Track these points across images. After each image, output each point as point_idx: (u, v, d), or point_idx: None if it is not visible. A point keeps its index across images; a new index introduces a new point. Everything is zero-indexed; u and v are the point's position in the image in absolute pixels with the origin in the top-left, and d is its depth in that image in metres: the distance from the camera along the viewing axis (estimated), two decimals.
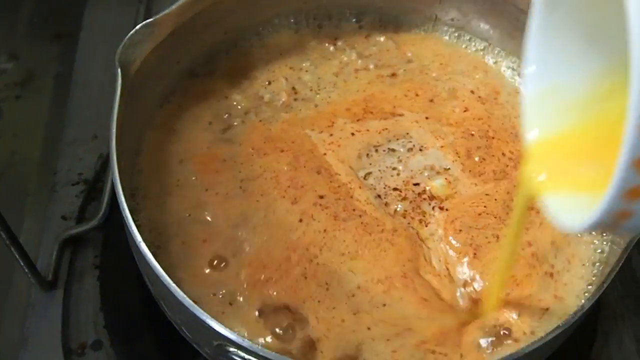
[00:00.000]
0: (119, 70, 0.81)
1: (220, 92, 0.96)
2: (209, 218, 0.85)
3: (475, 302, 0.83)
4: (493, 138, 0.95)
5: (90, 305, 0.96)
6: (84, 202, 1.02)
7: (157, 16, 0.85)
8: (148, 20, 0.84)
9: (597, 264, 0.86)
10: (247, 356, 0.69)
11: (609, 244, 0.87)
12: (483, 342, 0.79)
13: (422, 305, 0.81)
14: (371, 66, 1.00)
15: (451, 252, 0.85)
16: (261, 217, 0.85)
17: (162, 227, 0.84)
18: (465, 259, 0.85)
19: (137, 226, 0.75)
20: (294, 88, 0.97)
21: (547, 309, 0.82)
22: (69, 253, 0.98)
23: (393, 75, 0.99)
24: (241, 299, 0.79)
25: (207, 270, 0.81)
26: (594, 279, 0.85)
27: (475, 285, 0.84)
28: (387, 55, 1.01)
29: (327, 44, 1.01)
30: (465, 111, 0.97)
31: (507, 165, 0.93)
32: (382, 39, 1.03)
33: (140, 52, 0.84)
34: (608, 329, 0.99)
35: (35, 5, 1.27)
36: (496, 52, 1.04)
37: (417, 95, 0.98)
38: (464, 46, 1.05)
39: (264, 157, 0.90)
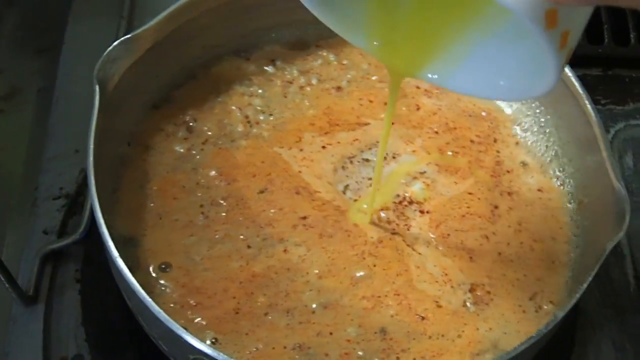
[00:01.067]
0: (97, 86, 0.82)
1: (181, 119, 0.96)
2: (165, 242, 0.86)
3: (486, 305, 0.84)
4: (455, 129, 0.97)
5: (71, 319, 0.96)
6: (65, 216, 1.02)
7: (135, 32, 0.86)
8: (126, 37, 0.85)
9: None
10: None
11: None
12: None
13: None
14: (314, 81, 1.00)
15: (444, 258, 0.87)
16: (210, 247, 0.86)
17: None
18: (462, 263, 0.87)
19: (115, 241, 0.76)
20: (247, 116, 0.97)
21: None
22: (50, 267, 0.98)
23: (338, 88, 1.00)
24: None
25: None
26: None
27: (486, 288, 0.85)
28: (328, 68, 1.02)
29: (265, 67, 1.02)
30: (418, 109, 0.99)
31: (480, 151, 0.95)
32: (321, 52, 1.03)
33: (119, 68, 0.85)
34: (586, 338, 0.99)
35: (18, 19, 1.28)
36: None
37: (370, 101, 0.99)
38: None
39: (233, 183, 0.91)
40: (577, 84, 0.89)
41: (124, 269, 0.74)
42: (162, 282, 0.84)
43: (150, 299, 0.72)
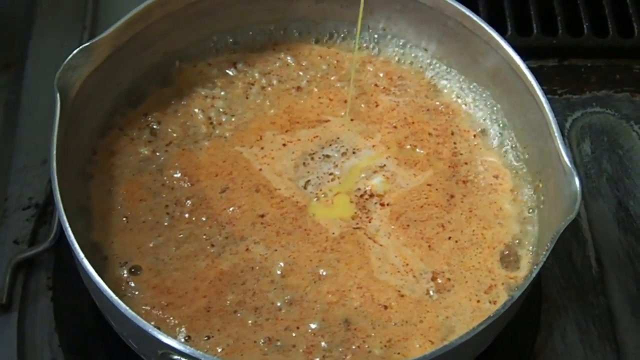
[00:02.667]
0: (58, 94, 0.84)
1: (145, 122, 0.98)
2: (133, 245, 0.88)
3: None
4: (413, 123, 1.00)
5: (45, 325, 0.98)
6: (36, 225, 1.04)
7: (94, 40, 0.88)
8: (85, 45, 0.87)
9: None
10: None
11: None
12: None
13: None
14: (275, 82, 1.03)
15: (405, 248, 0.89)
16: (177, 247, 0.88)
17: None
18: (422, 252, 0.89)
19: (83, 246, 0.78)
20: (209, 117, 0.99)
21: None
22: (22, 276, 1.00)
23: (298, 88, 1.02)
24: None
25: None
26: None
27: (446, 276, 0.88)
28: (287, 70, 1.04)
29: (226, 70, 1.04)
30: (377, 106, 1.01)
31: (438, 143, 0.98)
32: (280, 55, 1.06)
33: (79, 76, 0.87)
34: (551, 321, 1.02)
35: None
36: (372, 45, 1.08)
37: (330, 100, 1.01)
38: (346, 47, 1.08)
39: (197, 183, 0.93)
40: (527, 72, 0.92)
41: (90, 270, 0.76)
42: (132, 284, 0.86)
43: (116, 297, 0.74)
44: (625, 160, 1.18)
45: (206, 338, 0.82)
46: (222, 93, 1.01)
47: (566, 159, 0.84)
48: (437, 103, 1.02)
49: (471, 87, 1.03)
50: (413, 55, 1.06)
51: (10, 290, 0.98)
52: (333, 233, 0.90)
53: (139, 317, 0.73)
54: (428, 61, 1.05)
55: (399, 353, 0.82)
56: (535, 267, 0.80)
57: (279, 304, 0.84)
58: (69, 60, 0.86)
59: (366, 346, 0.82)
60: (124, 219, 0.90)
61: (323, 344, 0.82)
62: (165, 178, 0.93)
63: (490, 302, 0.87)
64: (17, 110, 1.16)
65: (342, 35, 1.07)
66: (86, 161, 0.94)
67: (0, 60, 1.25)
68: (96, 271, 0.76)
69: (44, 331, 0.97)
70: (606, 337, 1.02)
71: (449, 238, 0.91)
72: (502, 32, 0.96)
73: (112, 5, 1.26)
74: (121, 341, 0.84)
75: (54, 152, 0.82)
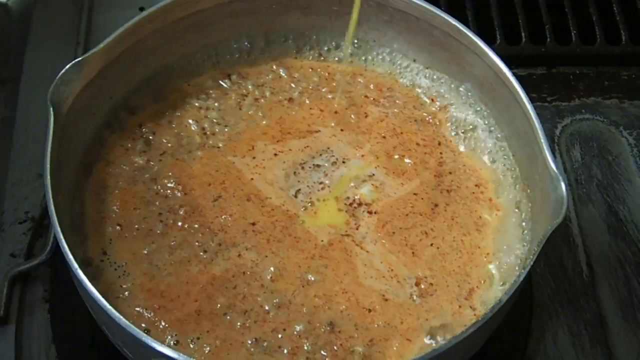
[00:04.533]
0: (51, 108, 0.85)
1: (139, 133, 1.00)
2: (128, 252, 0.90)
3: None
4: (401, 133, 1.01)
5: (42, 337, 0.99)
6: (32, 239, 1.06)
7: (86, 55, 0.89)
8: (77, 60, 0.89)
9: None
10: None
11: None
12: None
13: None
14: (267, 94, 1.04)
15: (390, 255, 0.91)
16: (170, 253, 0.90)
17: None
18: (406, 259, 0.91)
19: (78, 257, 0.79)
20: (203, 128, 1.01)
21: None
22: (19, 288, 1.01)
23: (290, 99, 1.04)
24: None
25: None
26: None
27: (428, 281, 0.90)
28: (280, 82, 1.06)
29: (220, 81, 1.05)
30: (366, 117, 1.03)
31: (425, 153, 1.00)
32: (273, 68, 1.07)
33: (72, 90, 0.89)
34: (543, 326, 1.03)
35: None
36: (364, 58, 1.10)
37: (321, 111, 1.03)
38: (336, 58, 1.09)
39: (190, 192, 0.94)
40: (512, 80, 0.93)
41: (83, 279, 0.77)
42: (125, 288, 0.87)
43: (110, 306, 0.75)
44: (614, 165, 1.19)
45: (195, 339, 0.84)
46: (216, 104, 1.03)
47: (552, 165, 0.85)
48: (425, 114, 1.04)
49: (459, 96, 1.04)
50: (402, 65, 1.07)
51: (8, 303, 1.00)
52: (322, 240, 0.92)
53: (131, 325, 0.74)
54: (416, 72, 1.07)
55: (379, 352, 0.84)
56: (523, 270, 0.81)
57: (267, 308, 0.86)
58: (61, 75, 0.87)
59: (349, 345, 0.84)
60: (118, 227, 0.91)
61: (307, 344, 0.84)
62: (159, 187, 0.95)
63: (470, 308, 0.89)
64: (13, 126, 1.17)
65: (332, 47, 1.09)
66: (81, 172, 0.95)
67: None
68: (91, 277, 0.78)
69: (41, 343, 0.98)
70: (597, 340, 1.03)
71: (431, 245, 0.93)
72: (491, 42, 0.98)
73: (105, 22, 1.28)
74: (117, 353, 0.85)
75: (48, 166, 0.83)
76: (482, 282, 0.90)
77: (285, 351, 0.83)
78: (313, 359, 0.83)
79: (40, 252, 1.03)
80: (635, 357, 1.02)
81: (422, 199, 0.96)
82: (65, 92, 0.88)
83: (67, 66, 0.88)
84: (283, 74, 1.06)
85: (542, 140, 0.88)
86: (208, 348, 0.83)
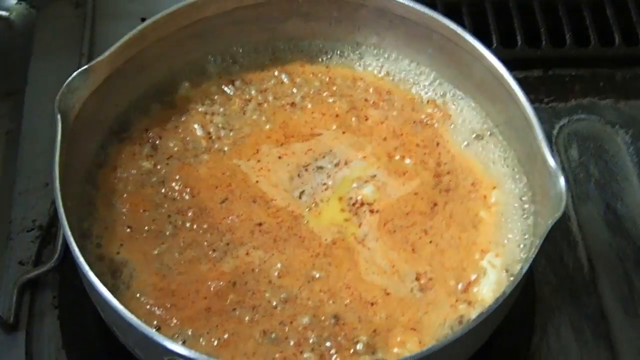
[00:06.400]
0: (59, 116, 0.87)
1: (146, 138, 1.02)
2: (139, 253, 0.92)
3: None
4: (401, 135, 1.03)
5: (52, 344, 1.00)
6: (40, 246, 1.07)
7: (91, 63, 0.91)
8: (83, 68, 0.91)
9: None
10: None
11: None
12: None
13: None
14: (270, 98, 1.06)
15: (391, 252, 0.93)
16: (180, 253, 0.92)
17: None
18: (406, 255, 0.93)
19: (90, 260, 0.81)
20: (209, 132, 1.02)
21: None
22: (28, 295, 1.03)
23: (293, 104, 1.06)
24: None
25: None
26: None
27: (428, 276, 0.92)
28: (282, 87, 1.08)
29: (224, 87, 1.07)
30: (366, 120, 1.05)
31: (425, 153, 1.02)
32: (275, 73, 1.09)
33: (79, 98, 0.90)
34: (545, 322, 1.05)
35: None
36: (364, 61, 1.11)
37: (323, 114, 1.05)
38: (336, 63, 1.11)
39: (197, 195, 0.97)
40: (509, 79, 0.95)
41: (94, 281, 0.79)
42: (136, 286, 0.89)
43: (121, 305, 0.77)
44: (611, 164, 1.21)
45: (205, 334, 0.86)
46: (221, 109, 1.05)
47: (551, 161, 0.87)
48: (423, 116, 1.06)
49: (457, 98, 1.06)
50: (401, 69, 1.09)
51: (17, 310, 1.01)
52: (326, 239, 0.94)
53: (143, 324, 0.76)
54: (415, 75, 1.09)
55: (383, 342, 0.87)
56: (525, 263, 0.82)
57: (274, 303, 0.88)
58: (68, 83, 0.89)
59: (353, 336, 0.87)
60: (128, 229, 0.93)
61: (313, 336, 0.86)
62: (167, 190, 0.97)
63: (465, 302, 0.90)
64: (19, 136, 1.19)
65: (332, 53, 1.11)
66: (89, 178, 0.97)
67: (1, 89, 1.29)
68: (101, 280, 0.79)
69: (52, 349, 1.00)
70: (600, 335, 1.04)
71: (430, 242, 0.95)
72: (487, 45, 0.99)
73: (108, 33, 1.30)
74: (128, 354, 0.87)
75: (57, 172, 0.85)
76: (478, 276, 0.92)
77: (292, 342, 0.86)
78: (318, 350, 0.85)
79: (49, 259, 1.05)
80: (636, 350, 1.04)
81: (422, 198, 0.98)
82: (72, 100, 0.89)
83: (74, 74, 0.89)
84: (285, 80, 1.08)
85: (541, 138, 0.90)
86: (216, 341, 0.85)
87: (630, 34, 1.34)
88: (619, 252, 1.12)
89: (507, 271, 0.92)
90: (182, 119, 1.03)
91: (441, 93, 1.07)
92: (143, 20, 1.00)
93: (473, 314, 0.88)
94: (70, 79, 0.89)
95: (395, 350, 0.86)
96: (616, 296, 1.08)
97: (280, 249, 0.92)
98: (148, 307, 0.87)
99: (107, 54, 0.93)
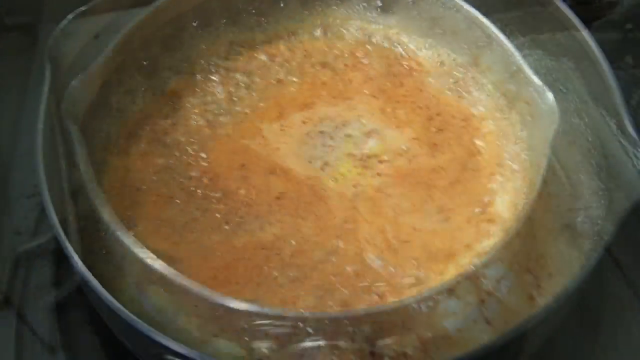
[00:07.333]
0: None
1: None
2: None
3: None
4: (386, 89, 1.08)
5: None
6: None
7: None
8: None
9: None
10: None
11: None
12: None
13: None
14: (257, 79, 1.10)
15: (410, 193, 0.96)
16: (192, 221, 0.93)
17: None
18: (424, 193, 0.97)
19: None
20: (208, 120, 1.05)
21: None
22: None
23: (279, 81, 1.10)
24: None
25: None
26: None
27: (448, 206, 0.95)
28: (266, 67, 1.12)
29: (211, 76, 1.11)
30: (351, 82, 1.10)
31: (412, 102, 1.07)
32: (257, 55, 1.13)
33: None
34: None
35: None
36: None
37: (311, 85, 1.09)
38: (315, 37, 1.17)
39: (216, 179, 0.98)
40: (484, 20, 1.04)
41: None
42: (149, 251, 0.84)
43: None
44: None
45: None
46: (213, 97, 1.08)
47: (535, 78, 0.91)
48: (401, 68, 1.11)
49: (430, 46, 1.12)
50: (372, 30, 1.15)
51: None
52: (347, 194, 0.96)
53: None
54: (385, 32, 1.15)
55: (425, 273, 0.88)
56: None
57: (281, 281, 0.88)
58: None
59: (400, 274, 0.88)
60: (138, 191, 0.94)
61: (349, 269, 0.88)
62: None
63: (487, 222, 0.92)
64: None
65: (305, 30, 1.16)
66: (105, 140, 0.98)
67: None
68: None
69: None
70: None
71: (441, 178, 0.98)
72: None
73: None
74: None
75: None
76: (491, 198, 0.95)
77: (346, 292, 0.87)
78: (368, 292, 0.87)
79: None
80: None
81: (422, 141, 1.02)
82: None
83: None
84: (266, 60, 1.13)
85: (521, 62, 0.97)
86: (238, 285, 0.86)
87: None
88: None
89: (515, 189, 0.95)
90: (180, 113, 1.06)
91: (414, 43, 1.13)
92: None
93: (494, 229, 0.91)
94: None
95: (440, 277, 0.88)
96: None
97: (308, 211, 0.94)
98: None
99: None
